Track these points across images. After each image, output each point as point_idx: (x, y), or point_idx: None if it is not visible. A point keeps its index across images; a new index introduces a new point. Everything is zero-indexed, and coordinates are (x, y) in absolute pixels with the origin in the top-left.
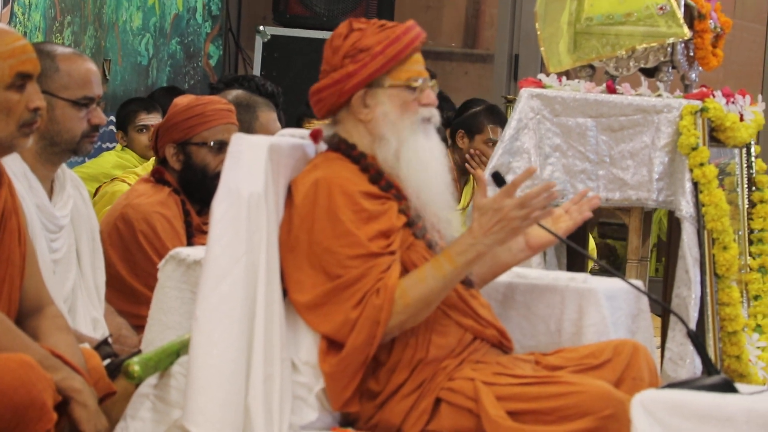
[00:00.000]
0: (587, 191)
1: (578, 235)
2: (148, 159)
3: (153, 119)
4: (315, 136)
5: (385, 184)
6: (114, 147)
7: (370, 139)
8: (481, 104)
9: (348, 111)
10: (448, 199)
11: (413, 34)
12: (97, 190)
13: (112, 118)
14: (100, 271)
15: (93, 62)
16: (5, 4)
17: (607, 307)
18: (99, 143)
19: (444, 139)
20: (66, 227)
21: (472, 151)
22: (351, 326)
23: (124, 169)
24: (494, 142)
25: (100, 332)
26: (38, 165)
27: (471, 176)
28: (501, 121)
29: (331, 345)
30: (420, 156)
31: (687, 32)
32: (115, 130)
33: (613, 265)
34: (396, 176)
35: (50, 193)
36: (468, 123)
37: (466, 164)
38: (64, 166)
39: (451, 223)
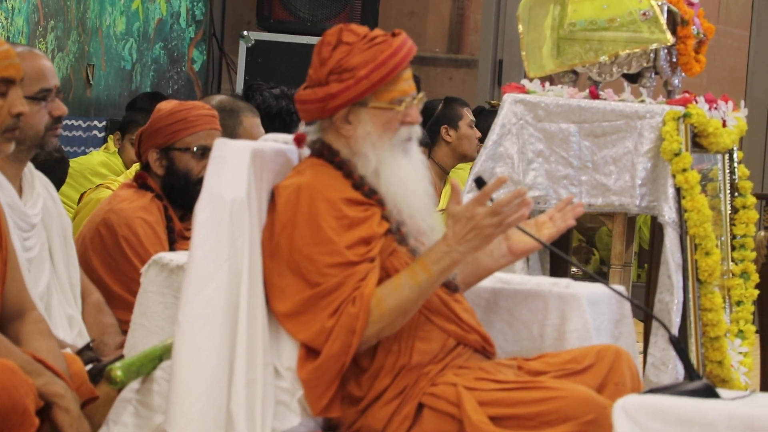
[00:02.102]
0: (572, 198)
1: (561, 241)
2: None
3: None
4: (299, 141)
5: (368, 190)
6: (89, 152)
7: (350, 152)
8: (439, 101)
9: (331, 122)
10: (429, 208)
11: (401, 55)
12: (81, 196)
13: (96, 123)
14: (74, 269)
15: (46, 57)
16: None
17: (589, 312)
18: (83, 148)
19: (426, 143)
20: (38, 226)
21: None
22: (327, 335)
23: (110, 168)
24: (474, 122)
25: (76, 329)
26: (6, 165)
27: (449, 173)
28: (464, 103)
29: (309, 352)
30: (399, 175)
31: (670, 38)
32: (98, 134)
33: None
34: (377, 189)
35: (19, 192)
36: (446, 116)
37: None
38: (30, 165)
39: (434, 230)
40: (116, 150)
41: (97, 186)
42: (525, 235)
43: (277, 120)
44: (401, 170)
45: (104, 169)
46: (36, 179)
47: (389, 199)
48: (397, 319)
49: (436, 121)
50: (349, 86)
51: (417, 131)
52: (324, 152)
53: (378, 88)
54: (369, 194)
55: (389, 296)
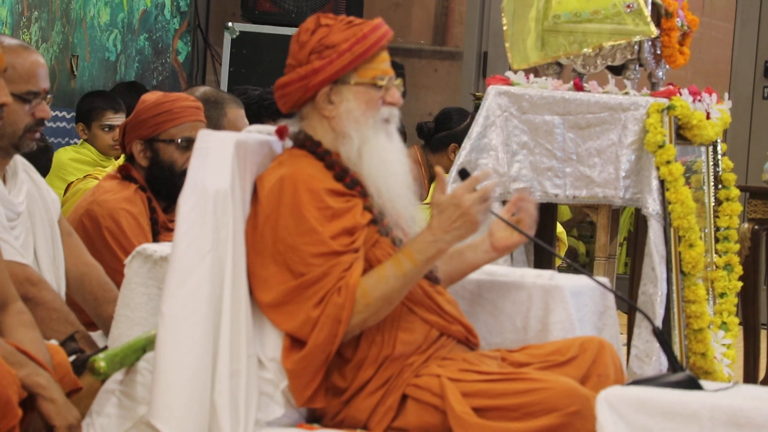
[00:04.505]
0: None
1: (545, 233)
2: (109, 156)
3: (119, 119)
4: (281, 133)
5: (350, 181)
6: (78, 143)
7: (333, 136)
8: (463, 114)
9: (313, 107)
10: (410, 197)
11: (380, 33)
12: (68, 186)
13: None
14: (59, 253)
15: (40, 54)
16: None
17: (573, 304)
18: (66, 139)
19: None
20: (23, 214)
21: None
22: (312, 324)
23: (80, 161)
24: None
25: None
26: None
27: None
28: None
29: (294, 342)
30: (382, 155)
31: (654, 30)
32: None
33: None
34: (359, 174)
35: (3, 180)
36: (463, 137)
37: None
38: None
39: (415, 220)
40: (83, 141)
41: (85, 176)
42: (507, 232)
43: None
44: (384, 151)
45: (74, 164)
46: (18, 165)
47: (370, 182)
48: (382, 308)
49: (452, 134)
50: (332, 60)
51: (396, 114)
52: (306, 143)
53: (360, 63)
54: (351, 185)
55: (375, 286)
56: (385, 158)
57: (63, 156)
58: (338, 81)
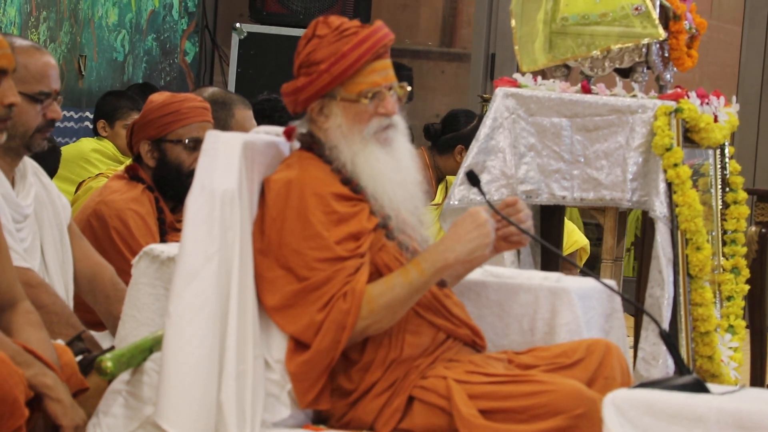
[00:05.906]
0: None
1: (552, 235)
2: (128, 155)
3: None
4: (288, 134)
5: (357, 185)
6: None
7: (329, 145)
8: (470, 116)
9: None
10: (415, 202)
11: (365, 47)
12: (80, 184)
13: (88, 114)
14: (68, 256)
15: (51, 55)
16: None
17: (580, 306)
18: (74, 139)
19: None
20: (30, 216)
21: None
22: (316, 329)
23: (102, 153)
24: None
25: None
26: (1, 157)
27: (446, 176)
28: None
29: (298, 345)
30: (375, 167)
31: (662, 33)
32: (90, 125)
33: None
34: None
35: (12, 183)
36: (470, 138)
37: None
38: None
39: (423, 223)
40: (102, 137)
41: (96, 175)
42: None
43: None
44: (378, 162)
45: (96, 155)
46: (28, 168)
47: (368, 192)
48: (385, 317)
49: (459, 136)
50: (312, 80)
51: (396, 122)
52: (313, 146)
53: (342, 81)
54: (358, 189)
55: (381, 294)
56: (380, 169)
57: (86, 146)
58: (327, 95)
